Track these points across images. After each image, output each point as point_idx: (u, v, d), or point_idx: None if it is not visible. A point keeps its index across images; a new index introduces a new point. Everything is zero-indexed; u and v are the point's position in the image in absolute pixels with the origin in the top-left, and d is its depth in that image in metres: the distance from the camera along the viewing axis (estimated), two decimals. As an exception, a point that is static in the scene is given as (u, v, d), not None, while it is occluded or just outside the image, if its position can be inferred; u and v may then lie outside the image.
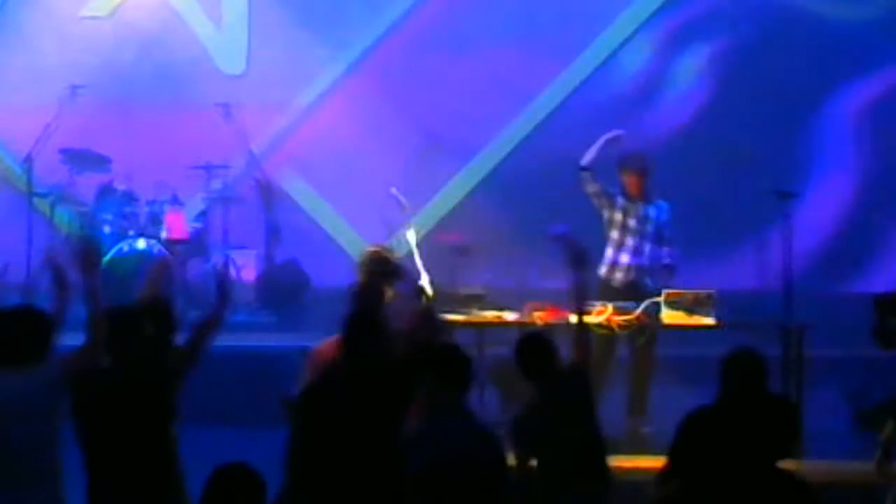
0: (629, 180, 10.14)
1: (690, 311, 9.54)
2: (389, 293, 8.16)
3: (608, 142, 10.15)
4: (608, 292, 9.87)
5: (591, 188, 10.11)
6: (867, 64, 13.44)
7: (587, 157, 10.13)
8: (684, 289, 9.66)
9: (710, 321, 9.55)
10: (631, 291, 9.94)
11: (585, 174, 10.10)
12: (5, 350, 6.20)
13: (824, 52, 13.36)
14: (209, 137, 12.81)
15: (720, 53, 13.52)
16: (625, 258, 10.13)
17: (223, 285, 6.79)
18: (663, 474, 5.64)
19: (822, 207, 13.06)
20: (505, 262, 12.75)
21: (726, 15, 13.45)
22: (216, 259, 12.34)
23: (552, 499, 6.77)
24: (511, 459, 6.71)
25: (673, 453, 5.45)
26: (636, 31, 13.73)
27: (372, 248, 8.45)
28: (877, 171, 13.43)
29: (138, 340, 6.38)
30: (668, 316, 9.57)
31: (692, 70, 13.58)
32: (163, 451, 6.32)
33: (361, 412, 6.09)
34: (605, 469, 6.96)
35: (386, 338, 6.61)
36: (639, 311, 9.56)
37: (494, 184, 13.64)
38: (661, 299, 9.58)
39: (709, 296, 9.58)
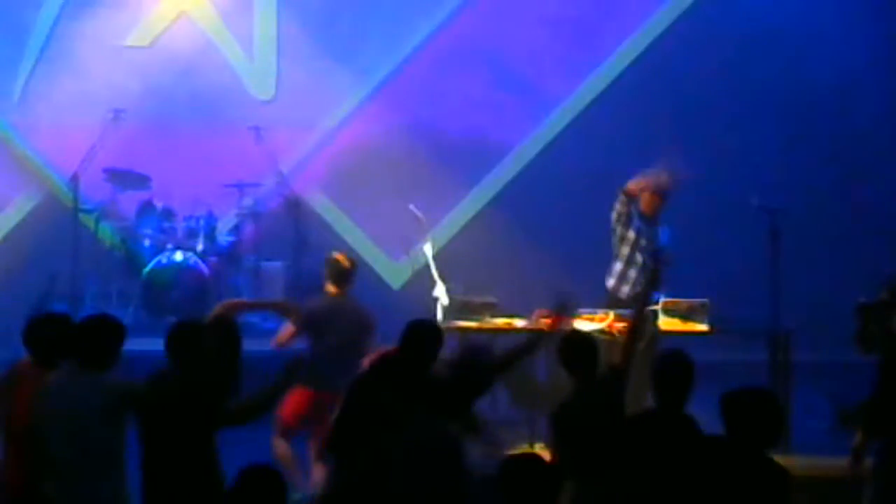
0: (653, 200, 9.99)
1: (686, 318, 9.53)
2: (332, 289, 8.65)
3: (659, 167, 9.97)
4: (616, 303, 9.80)
5: (624, 209, 9.93)
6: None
7: (635, 185, 9.91)
8: (680, 298, 9.60)
9: (703, 327, 9.55)
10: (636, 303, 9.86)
11: (625, 199, 9.90)
12: (89, 354, 6.34)
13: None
14: (241, 157, 12.85)
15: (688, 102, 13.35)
16: (633, 273, 10.04)
17: (288, 376, 6.47)
18: None
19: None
20: (517, 274, 12.63)
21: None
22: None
23: (583, 489, 6.67)
24: (548, 450, 6.79)
25: None
26: (645, 52, 13.68)
27: (333, 255, 8.88)
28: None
29: (199, 353, 6.39)
30: (665, 323, 9.57)
31: (691, 94, 13.43)
32: (207, 452, 6.35)
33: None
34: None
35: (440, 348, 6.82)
36: (637, 318, 9.57)
37: (506, 199, 13.61)
38: (658, 307, 9.55)
39: (702, 304, 9.59)
